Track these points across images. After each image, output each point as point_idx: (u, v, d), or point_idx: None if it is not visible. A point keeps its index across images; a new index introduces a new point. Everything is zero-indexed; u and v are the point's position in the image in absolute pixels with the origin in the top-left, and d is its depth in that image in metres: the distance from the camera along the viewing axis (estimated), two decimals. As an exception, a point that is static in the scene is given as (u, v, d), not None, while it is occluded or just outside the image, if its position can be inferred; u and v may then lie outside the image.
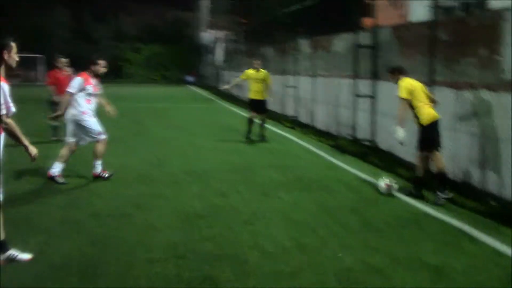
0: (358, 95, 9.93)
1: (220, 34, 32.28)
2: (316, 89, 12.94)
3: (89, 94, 6.98)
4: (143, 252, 4.46)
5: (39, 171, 7.21)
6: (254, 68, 11.57)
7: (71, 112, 6.95)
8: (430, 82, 7.31)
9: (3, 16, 44.99)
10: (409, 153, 7.32)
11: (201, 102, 23.64)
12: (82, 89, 6.92)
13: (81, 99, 6.97)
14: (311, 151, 9.99)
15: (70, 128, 7.05)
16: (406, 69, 6.80)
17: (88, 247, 4.57)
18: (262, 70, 11.62)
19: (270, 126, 12.74)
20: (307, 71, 13.56)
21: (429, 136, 6.36)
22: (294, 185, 7.15)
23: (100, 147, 7.14)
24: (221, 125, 14.07)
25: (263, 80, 11.51)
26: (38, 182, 6.96)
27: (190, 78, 41.14)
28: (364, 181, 7.46)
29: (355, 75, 10.06)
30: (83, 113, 6.95)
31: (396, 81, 6.68)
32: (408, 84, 6.49)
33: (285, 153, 9.76)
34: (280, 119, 14.67)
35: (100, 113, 7.34)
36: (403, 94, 6.40)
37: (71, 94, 6.88)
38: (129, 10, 45.65)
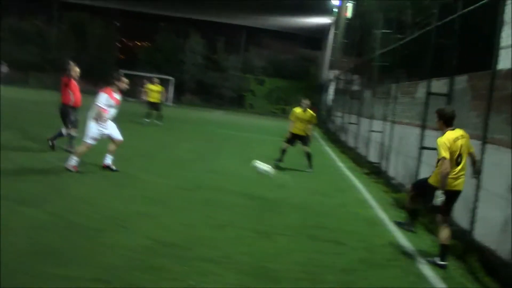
0: (423, 147, 8.92)
1: (335, 73, 31.99)
2: (393, 136, 12.03)
3: (110, 106, 7.51)
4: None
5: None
6: (301, 107, 12.04)
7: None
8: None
9: (147, 40, 49.11)
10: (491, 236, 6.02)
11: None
12: (107, 102, 7.44)
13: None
14: (364, 204, 9.15)
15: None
16: (456, 121, 5.98)
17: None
18: (309, 110, 12.02)
19: (346, 170, 12.22)
20: (389, 116, 12.68)
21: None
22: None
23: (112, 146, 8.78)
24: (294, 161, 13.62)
25: (308, 121, 12.02)
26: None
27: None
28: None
29: (423, 125, 9.07)
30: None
31: (441, 129, 5.97)
32: (450, 140, 5.74)
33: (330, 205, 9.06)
34: (362, 164, 13.93)
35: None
36: (444, 153, 5.63)
37: (100, 108, 7.50)
38: (261, 43, 47.07)
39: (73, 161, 8.48)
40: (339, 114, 24.96)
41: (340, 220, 7.57)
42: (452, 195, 5.79)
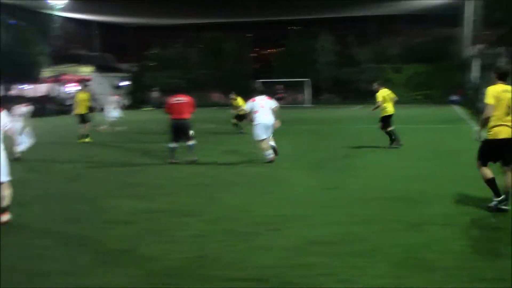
0: None
1: (479, 48, 29.76)
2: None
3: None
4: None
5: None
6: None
7: None
8: None
9: (279, 46, 50.20)
10: None
11: (447, 123, 22.11)
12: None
13: None
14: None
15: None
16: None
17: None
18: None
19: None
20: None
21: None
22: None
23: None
24: (435, 150, 13.05)
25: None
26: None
27: (455, 97, 38.71)
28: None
29: None
30: None
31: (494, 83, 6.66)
32: (498, 91, 6.45)
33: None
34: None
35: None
36: (489, 100, 6.43)
37: None
38: (392, 31, 45.56)
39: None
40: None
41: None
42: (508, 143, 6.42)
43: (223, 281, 4.51)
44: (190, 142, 11.66)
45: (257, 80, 44.05)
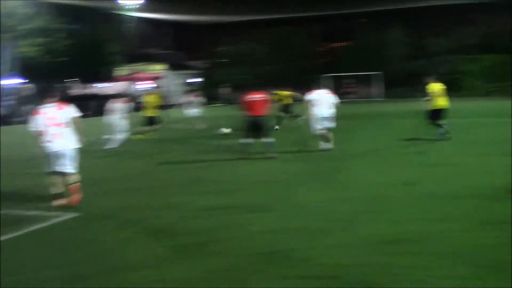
0: None
1: None
2: None
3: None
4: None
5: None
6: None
7: None
8: None
9: (348, 39, 49.44)
10: None
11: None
12: None
13: None
14: None
15: None
16: None
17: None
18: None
19: None
20: None
21: None
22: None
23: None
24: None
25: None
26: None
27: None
28: None
29: None
30: None
31: None
32: None
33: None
34: None
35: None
36: None
37: None
38: (468, 20, 43.61)
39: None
40: None
41: None
42: None
43: (295, 278, 4.50)
44: (267, 140, 11.72)
45: (326, 75, 43.67)
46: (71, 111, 7.94)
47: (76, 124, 7.88)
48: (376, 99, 41.02)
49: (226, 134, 17.17)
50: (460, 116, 20.27)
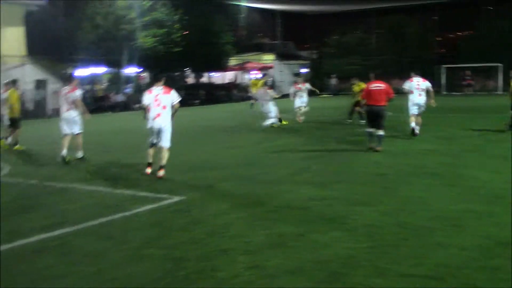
0: None
1: None
2: None
3: None
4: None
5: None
6: None
7: None
8: None
9: (469, 28, 46.43)
10: None
11: None
12: None
13: None
14: None
15: None
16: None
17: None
18: None
19: None
20: None
21: None
22: None
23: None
24: None
25: None
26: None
27: None
28: None
29: None
30: None
31: None
32: None
33: None
34: None
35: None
36: None
37: None
38: None
39: None
40: None
41: None
42: None
43: (394, 275, 4.33)
44: (380, 132, 11.41)
45: (442, 66, 41.46)
46: (173, 97, 9.28)
47: (175, 108, 9.26)
48: (497, 92, 38.26)
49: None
50: None
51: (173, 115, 9.27)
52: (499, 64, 37.75)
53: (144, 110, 9.33)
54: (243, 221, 6.15)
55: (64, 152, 10.93)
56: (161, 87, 9.26)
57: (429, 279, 4.22)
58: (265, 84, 20.98)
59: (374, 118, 11.43)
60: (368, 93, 11.58)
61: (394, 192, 7.48)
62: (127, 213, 6.66)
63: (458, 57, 42.23)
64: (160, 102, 9.10)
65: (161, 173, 8.94)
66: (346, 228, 5.72)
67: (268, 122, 17.08)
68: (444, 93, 37.71)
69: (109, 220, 6.38)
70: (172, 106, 9.21)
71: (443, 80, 40.33)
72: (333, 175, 8.90)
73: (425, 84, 13.71)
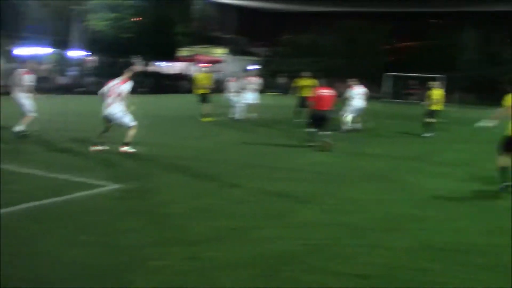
0: None
1: None
2: None
3: None
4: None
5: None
6: None
7: None
8: None
9: (418, 39, 47.96)
10: None
11: None
12: None
13: None
14: None
15: None
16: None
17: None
18: None
19: None
20: None
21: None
22: None
23: None
24: None
25: None
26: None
27: None
28: None
29: None
30: None
31: None
32: None
33: None
34: None
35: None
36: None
37: None
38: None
39: None
40: None
41: None
42: None
43: (325, 273, 4.44)
44: (326, 132, 11.89)
45: (388, 73, 42.61)
46: (127, 86, 9.94)
47: (126, 97, 9.93)
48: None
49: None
50: None
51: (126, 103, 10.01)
52: (442, 76, 39.15)
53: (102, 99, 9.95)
54: (184, 212, 6.11)
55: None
56: (122, 78, 10.00)
57: (357, 278, 4.35)
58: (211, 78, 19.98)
59: (320, 121, 11.91)
60: (316, 98, 12.11)
61: (335, 192, 7.63)
62: (63, 198, 6.49)
63: (405, 66, 43.61)
64: (115, 91, 9.80)
65: (124, 148, 9.86)
66: (284, 224, 5.79)
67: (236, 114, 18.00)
68: (389, 100, 38.79)
69: (43, 204, 6.18)
70: (124, 95, 9.90)
71: (389, 87, 41.51)
72: (276, 172, 8.97)
73: (364, 91, 16.38)
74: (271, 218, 6.01)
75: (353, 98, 15.97)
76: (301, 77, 19.23)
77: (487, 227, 6.09)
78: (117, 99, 9.83)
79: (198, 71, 24.70)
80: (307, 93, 18.92)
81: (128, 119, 10.01)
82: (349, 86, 16.40)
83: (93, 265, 4.35)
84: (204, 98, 17.91)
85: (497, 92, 40.81)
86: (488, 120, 8.57)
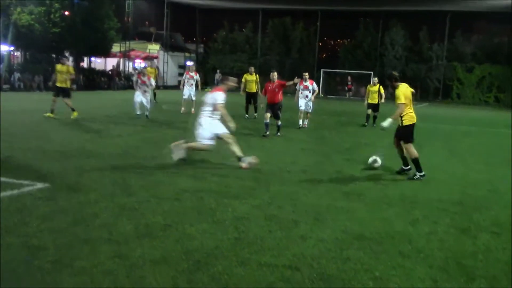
0: None
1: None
2: None
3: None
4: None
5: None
6: None
7: None
8: None
9: (347, 37, 49.27)
10: None
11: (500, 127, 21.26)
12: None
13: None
14: None
15: None
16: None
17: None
18: None
19: None
20: None
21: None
22: None
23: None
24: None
25: None
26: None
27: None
28: None
29: None
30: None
31: (394, 87, 8.73)
32: (405, 90, 8.66)
33: None
34: None
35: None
36: (403, 100, 8.53)
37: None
38: (468, 28, 43.65)
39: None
40: None
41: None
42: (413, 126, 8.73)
43: (255, 265, 4.49)
44: (279, 122, 13.95)
45: (322, 70, 43.61)
46: None
47: None
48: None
49: None
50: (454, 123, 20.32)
51: None
52: (370, 72, 40.54)
53: None
54: (111, 211, 5.99)
55: None
56: None
57: (286, 269, 4.44)
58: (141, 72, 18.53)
59: (273, 111, 13.78)
60: (268, 91, 14.09)
61: (266, 186, 7.72)
62: None
63: (337, 63, 44.84)
64: None
65: None
66: (214, 220, 5.80)
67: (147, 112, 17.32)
68: (322, 96, 39.63)
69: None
70: None
71: (322, 84, 42.52)
72: (210, 168, 8.97)
73: (312, 86, 16.48)
74: (201, 214, 5.99)
75: (300, 92, 16.39)
76: (247, 72, 19.83)
77: (412, 217, 6.37)
78: None
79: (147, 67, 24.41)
80: (252, 88, 19.35)
81: None
82: (299, 82, 15.72)
83: (16, 267, 4.19)
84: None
85: (424, 88, 42.81)
86: (389, 121, 8.83)
